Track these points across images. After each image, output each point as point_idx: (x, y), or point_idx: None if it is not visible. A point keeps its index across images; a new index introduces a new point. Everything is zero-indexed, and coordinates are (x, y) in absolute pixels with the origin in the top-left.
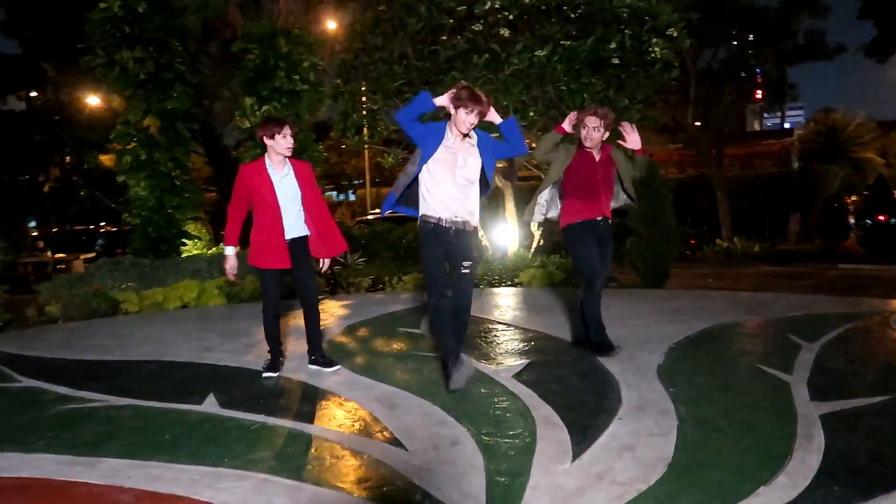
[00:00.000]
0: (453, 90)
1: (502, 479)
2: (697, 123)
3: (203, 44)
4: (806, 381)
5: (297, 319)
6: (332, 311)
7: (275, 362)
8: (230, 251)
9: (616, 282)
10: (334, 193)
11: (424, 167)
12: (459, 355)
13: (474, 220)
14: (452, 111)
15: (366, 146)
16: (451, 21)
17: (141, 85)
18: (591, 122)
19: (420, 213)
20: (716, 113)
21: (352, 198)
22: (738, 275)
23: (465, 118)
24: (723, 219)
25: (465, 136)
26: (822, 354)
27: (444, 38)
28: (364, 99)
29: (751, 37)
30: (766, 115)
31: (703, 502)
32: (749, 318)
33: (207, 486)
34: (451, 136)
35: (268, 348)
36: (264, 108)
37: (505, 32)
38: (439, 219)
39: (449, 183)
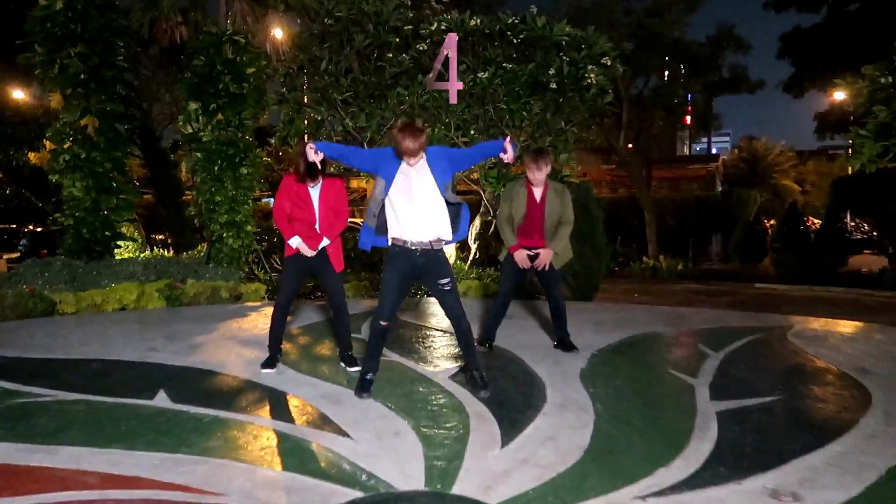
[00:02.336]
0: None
1: (439, 464)
2: (630, 146)
3: (145, 46)
4: (708, 384)
5: (246, 322)
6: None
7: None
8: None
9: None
10: (272, 200)
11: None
12: (377, 371)
13: (445, 237)
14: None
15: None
16: (398, 39)
17: (81, 84)
18: (538, 162)
19: (389, 237)
20: (646, 137)
21: None
22: (662, 291)
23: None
24: (650, 238)
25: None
26: (726, 361)
27: (390, 55)
28: (308, 109)
29: (681, 68)
30: (694, 141)
31: (611, 480)
32: (666, 329)
33: (167, 469)
34: (403, 162)
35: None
36: (210, 107)
37: (449, 53)
38: (406, 241)
39: (408, 206)
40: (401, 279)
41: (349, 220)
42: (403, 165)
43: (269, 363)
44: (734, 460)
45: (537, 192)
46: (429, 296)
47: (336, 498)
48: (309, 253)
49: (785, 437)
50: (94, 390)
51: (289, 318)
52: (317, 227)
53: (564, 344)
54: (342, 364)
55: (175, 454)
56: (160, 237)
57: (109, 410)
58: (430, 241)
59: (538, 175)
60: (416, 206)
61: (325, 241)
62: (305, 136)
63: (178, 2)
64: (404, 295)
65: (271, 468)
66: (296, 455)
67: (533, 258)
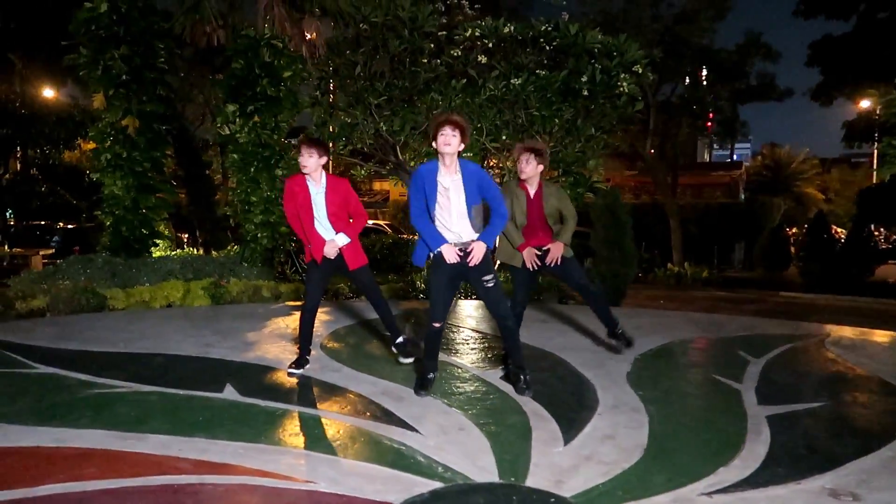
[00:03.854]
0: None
1: (508, 458)
2: (652, 151)
3: (180, 48)
4: (754, 389)
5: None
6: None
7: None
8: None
9: (575, 300)
10: None
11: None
12: (437, 371)
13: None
14: (435, 144)
15: (331, 158)
16: (432, 45)
17: (123, 85)
18: (524, 156)
19: None
20: (672, 143)
21: None
22: (688, 297)
23: (441, 140)
24: (674, 244)
25: (454, 167)
26: (768, 368)
27: (425, 60)
28: (340, 111)
29: (707, 74)
30: (715, 147)
31: (675, 478)
32: (703, 335)
33: (252, 458)
34: (443, 172)
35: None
36: (248, 109)
37: (482, 59)
38: (448, 241)
39: (448, 217)
40: (449, 279)
41: (375, 223)
42: (441, 178)
43: (298, 364)
44: (790, 461)
45: (531, 190)
46: (472, 297)
47: (419, 488)
48: (331, 255)
49: (836, 442)
50: (164, 382)
51: (331, 317)
52: (323, 229)
53: (616, 336)
54: (394, 351)
55: (256, 444)
56: (185, 236)
57: (184, 402)
58: (468, 242)
59: (526, 168)
60: (454, 218)
61: (346, 240)
62: (330, 144)
63: (218, 6)
64: (453, 295)
65: (350, 459)
66: (370, 447)
67: (541, 258)
